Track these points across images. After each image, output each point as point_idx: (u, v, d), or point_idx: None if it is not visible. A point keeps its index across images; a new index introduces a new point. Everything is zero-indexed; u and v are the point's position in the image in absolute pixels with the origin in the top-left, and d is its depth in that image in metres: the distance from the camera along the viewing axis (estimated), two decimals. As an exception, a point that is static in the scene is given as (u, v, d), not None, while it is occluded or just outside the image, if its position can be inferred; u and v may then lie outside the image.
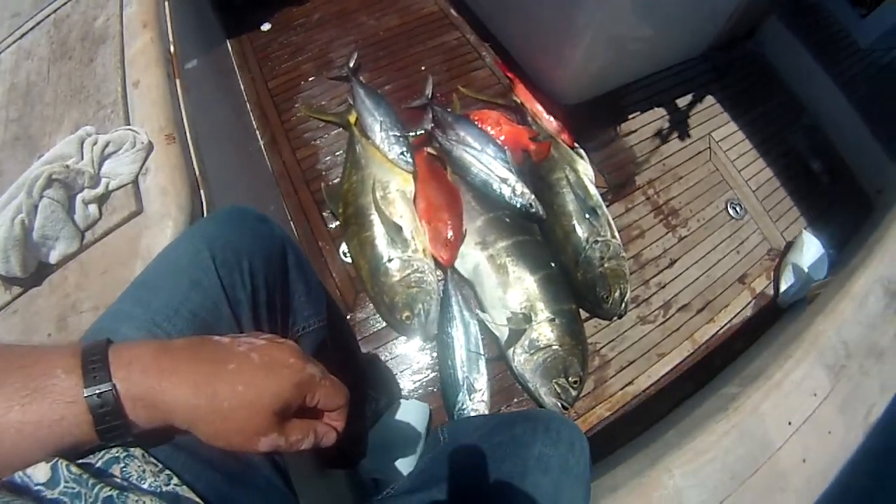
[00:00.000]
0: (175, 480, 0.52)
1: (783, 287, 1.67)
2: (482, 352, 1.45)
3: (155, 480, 0.51)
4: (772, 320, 1.62)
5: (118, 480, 0.49)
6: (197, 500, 0.53)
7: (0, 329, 0.88)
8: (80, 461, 0.49)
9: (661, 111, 1.97)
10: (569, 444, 0.80)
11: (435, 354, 1.48)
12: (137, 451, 0.52)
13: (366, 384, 1.34)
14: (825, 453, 1.00)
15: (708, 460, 0.94)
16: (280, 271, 0.82)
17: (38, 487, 0.45)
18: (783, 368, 1.06)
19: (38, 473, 0.45)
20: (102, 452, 0.50)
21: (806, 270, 1.64)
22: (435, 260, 1.52)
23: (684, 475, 0.92)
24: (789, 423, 1.01)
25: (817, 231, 1.77)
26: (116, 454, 0.50)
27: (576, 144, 1.77)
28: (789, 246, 1.76)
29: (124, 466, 0.50)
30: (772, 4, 2.01)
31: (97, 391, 0.46)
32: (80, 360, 0.47)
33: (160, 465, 0.53)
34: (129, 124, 1.05)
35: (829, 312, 1.14)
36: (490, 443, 0.84)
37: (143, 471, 0.51)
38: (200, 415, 0.49)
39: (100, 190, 0.95)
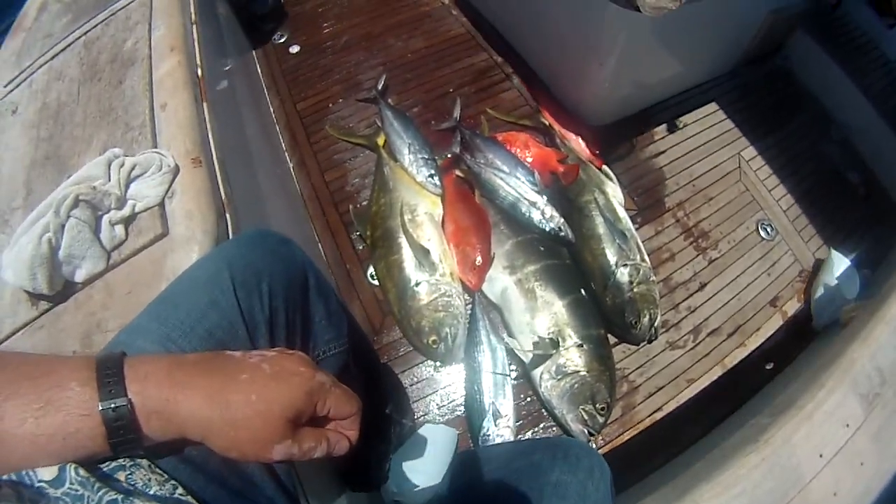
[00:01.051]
0: (180, 490, 0.54)
1: (816, 310, 1.63)
2: (509, 377, 1.44)
3: (160, 489, 0.52)
4: (804, 344, 1.58)
5: (123, 485, 0.50)
6: None
7: (26, 344, 0.90)
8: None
9: (689, 131, 1.95)
10: (588, 471, 0.81)
11: (461, 379, 1.48)
12: (143, 461, 0.53)
13: (391, 407, 1.34)
14: (857, 486, 0.97)
15: (736, 494, 0.92)
16: (300, 294, 0.83)
17: (41, 484, 0.45)
18: (816, 398, 1.02)
19: (45, 472, 0.46)
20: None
21: (838, 291, 1.60)
22: (462, 284, 1.52)
23: (711, 510, 0.90)
24: (820, 456, 0.97)
25: (849, 250, 1.72)
26: (122, 462, 0.51)
27: (604, 166, 1.76)
28: (819, 266, 1.72)
29: (129, 474, 0.51)
30: (798, 19, 1.98)
31: (112, 405, 0.47)
32: (95, 374, 0.48)
33: (165, 475, 0.54)
34: (156, 147, 1.08)
35: (864, 338, 1.10)
36: (508, 469, 0.86)
37: (149, 479, 0.52)
38: (215, 426, 0.50)
39: (126, 211, 0.98)
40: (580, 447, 0.85)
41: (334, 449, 0.57)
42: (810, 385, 1.06)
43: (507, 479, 0.83)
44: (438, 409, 1.46)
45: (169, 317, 0.65)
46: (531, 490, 0.78)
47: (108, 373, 0.48)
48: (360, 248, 1.67)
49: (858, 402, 1.03)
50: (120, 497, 0.47)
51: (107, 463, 0.51)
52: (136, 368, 0.50)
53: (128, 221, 0.98)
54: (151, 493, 0.51)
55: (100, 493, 0.46)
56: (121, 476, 0.51)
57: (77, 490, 0.46)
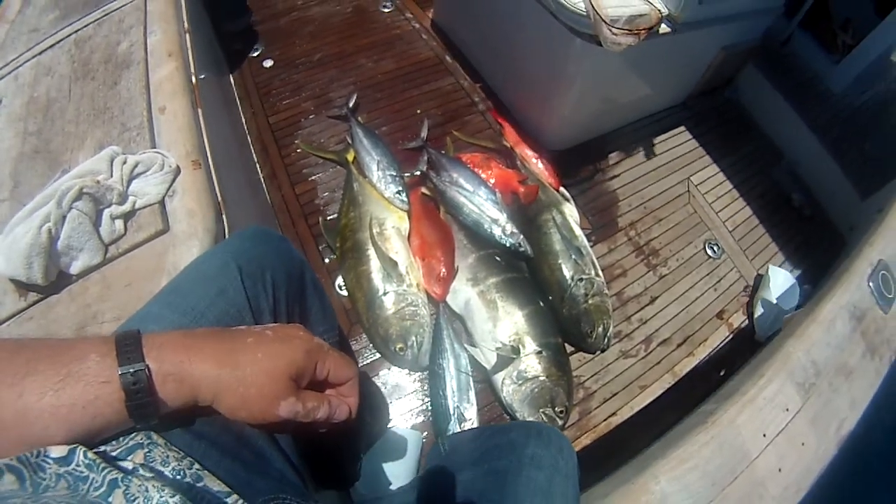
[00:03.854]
0: (197, 466, 0.57)
1: (758, 322, 1.75)
2: (472, 383, 1.50)
3: (178, 465, 0.55)
4: (749, 353, 1.68)
5: (129, 465, 0.52)
6: (218, 482, 0.58)
7: (13, 334, 0.91)
8: (99, 450, 0.52)
9: (643, 156, 2.07)
10: (558, 447, 0.89)
11: (426, 385, 1.53)
12: (160, 440, 0.56)
13: (364, 410, 1.39)
14: (799, 463, 1.05)
15: (690, 468, 0.99)
16: (298, 288, 0.90)
17: (47, 460, 0.47)
18: (757, 385, 1.10)
19: (54, 450, 0.48)
20: (126, 439, 0.54)
21: (776, 303, 1.73)
22: (428, 294, 1.58)
23: (669, 481, 0.97)
24: (764, 435, 1.05)
25: (792, 267, 1.86)
26: (140, 441, 0.55)
27: (562, 188, 1.86)
28: (758, 282, 1.84)
29: (148, 452, 0.54)
30: (748, 54, 2.12)
31: (131, 370, 0.51)
32: (115, 345, 0.52)
33: (182, 453, 0.57)
34: (154, 147, 1.12)
35: (799, 336, 1.19)
36: (487, 445, 0.94)
37: (167, 456, 0.55)
38: (225, 383, 0.56)
39: (127, 207, 1.01)
40: (550, 429, 0.94)
41: (335, 412, 0.63)
42: (751, 375, 1.14)
43: (487, 452, 0.92)
44: (405, 413, 1.51)
45: (180, 304, 0.70)
46: (510, 461, 0.86)
47: (127, 343, 0.53)
48: (328, 259, 1.72)
49: (796, 389, 1.12)
50: (120, 476, 0.49)
51: (126, 442, 0.54)
52: (153, 339, 0.54)
53: (127, 217, 1.02)
54: (169, 468, 0.54)
55: (103, 473, 0.49)
56: (139, 456, 0.54)
57: (83, 472, 0.48)
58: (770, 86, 2.18)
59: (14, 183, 1.11)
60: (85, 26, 1.44)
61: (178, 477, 0.55)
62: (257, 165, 1.95)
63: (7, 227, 0.93)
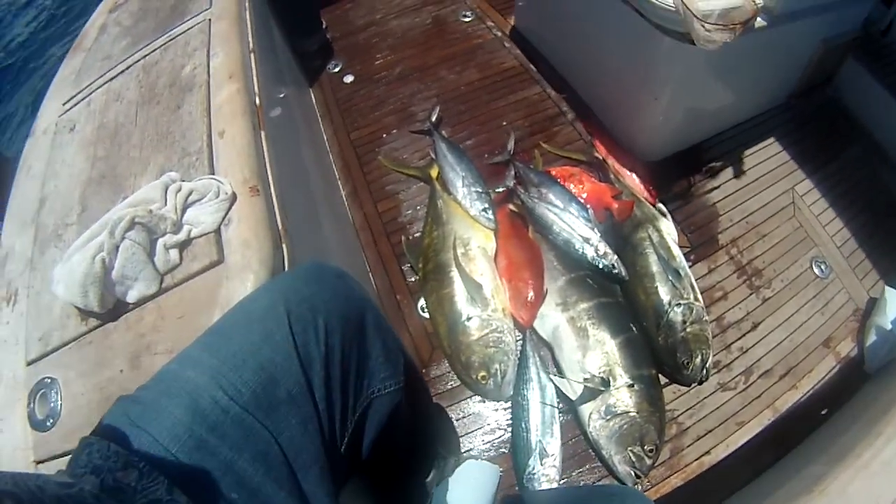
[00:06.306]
0: None
1: (869, 351, 1.59)
2: (557, 415, 1.44)
3: None
4: (857, 386, 1.55)
5: None
6: None
7: (74, 357, 0.93)
8: None
9: (743, 165, 1.93)
10: None
11: (508, 416, 1.48)
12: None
13: (436, 441, 1.35)
14: None
15: None
16: (357, 331, 0.81)
17: None
18: (873, 446, 0.98)
19: None
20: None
21: (891, 329, 1.56)
22: (514, 320, 1.53)
23: (764, 569, 0.88)
24: None
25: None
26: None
27: (658, 202, 1.76)
28: (872, 304, 1.68)
29: None
30: (848, 47, 1.95)
31: None
32: None
33: None
34: (213, 173, 1.09)
35: None
36: None
37: None
38: None
39: (181, 236, 0.98)
40: (636, 497, 0.84)
41: None
42: (867, 432, 1.03)
43: None
44: (483, 445, 1.46)
45: (221, 349, 0.65)
46: None
47: None
48: (412, 279, 1.70)
49: (920, 450, 1.00)
50: None
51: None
52: None
53: (183, 246, 0.99)
54: None
55: None
56: None
57: None
58: (872, 80, 1.99)
59: (82, 207, 1.13)
60: (153, 51, 1.45)
61: None
62: (339, 182, 1.96)
63: (67, 253, 0.95)
